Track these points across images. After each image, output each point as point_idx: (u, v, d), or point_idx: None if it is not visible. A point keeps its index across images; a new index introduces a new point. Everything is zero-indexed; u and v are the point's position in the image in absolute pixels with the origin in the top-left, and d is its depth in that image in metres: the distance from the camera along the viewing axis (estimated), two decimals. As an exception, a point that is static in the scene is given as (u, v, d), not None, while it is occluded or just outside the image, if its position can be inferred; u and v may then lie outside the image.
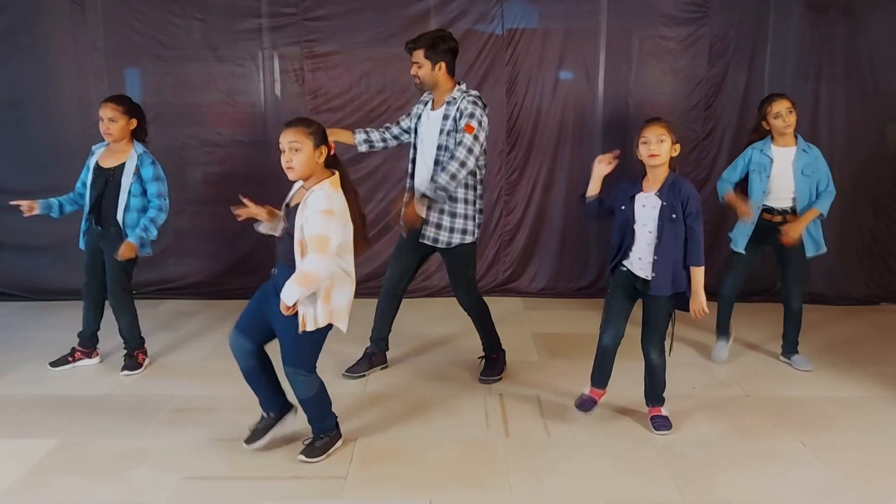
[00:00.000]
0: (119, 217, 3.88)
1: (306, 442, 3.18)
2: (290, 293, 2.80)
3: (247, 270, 5.45)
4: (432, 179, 3.61)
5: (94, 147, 4.04)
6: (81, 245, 4.04)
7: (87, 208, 3.95)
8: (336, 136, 3.74)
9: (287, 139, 2.84)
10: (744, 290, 4.29)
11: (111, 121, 3.82)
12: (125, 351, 4.12)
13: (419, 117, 3.83)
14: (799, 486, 2.92)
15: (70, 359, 4.13)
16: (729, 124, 5.18)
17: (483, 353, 4.00)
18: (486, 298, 4.01)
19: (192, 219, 5.43)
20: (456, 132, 3.60)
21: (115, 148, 3.93)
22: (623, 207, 3.25)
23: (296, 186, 3.04)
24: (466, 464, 3.08)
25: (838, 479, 2.96)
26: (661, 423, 3.36)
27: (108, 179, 3.90)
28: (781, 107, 3.87)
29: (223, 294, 5.39)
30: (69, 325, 4.31)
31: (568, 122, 5.27)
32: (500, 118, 5.20)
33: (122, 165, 3.89)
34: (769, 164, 3.92)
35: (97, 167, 3.93)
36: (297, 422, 3.24)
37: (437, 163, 3.65)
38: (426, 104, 3.82)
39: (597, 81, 5.24)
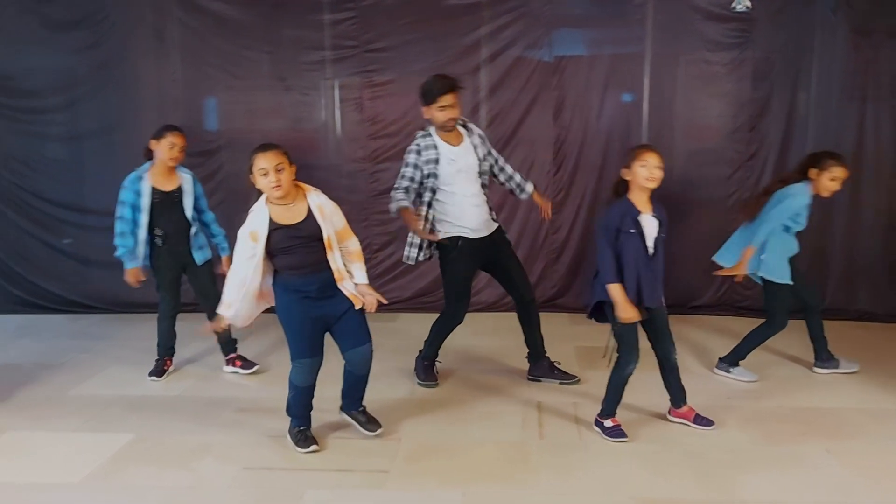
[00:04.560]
0: (191, 234, 4.20)
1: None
2: (364, 273, 3.36)
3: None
4: (522, 181, 4.16)
5: (132, 176, 4.09)
6: (144, 264, 4.17)
7: (144, 231, 4.08)
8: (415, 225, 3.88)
9: (272, 162, 3.06)
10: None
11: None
12: (232, 356, 4.44)
13: (436, 161, 3.84)
14: (819, 488, 3.00)
15: (164, 368, 4.42)
16: (773, 145, 5.24)
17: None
18: (513, 314, 4.23)
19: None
20: (489, 154, 4.02)
21: (162, 171, 4.10)
22: (633, 231, 3.26)
23: (263, 210, 3.16)
24: (500, 462, 3.27)
25: (859, 484, 3.03)
26: (707, 421, 3.52)
27: (173, 202, 4.13)
28: (843, 175, 3.89)
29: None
30: (145, 335, 4.66)
31: (613, 144, 5.41)
32: (547, 140, 5.42)
33: (180, 188, 4.15)
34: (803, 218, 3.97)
35: (157, 191, 4.09)
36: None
37: (483, 186, 3.97)
38: (434, 146, 3.84)
39: (642, 105, 5.38)
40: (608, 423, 3.49)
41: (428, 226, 3.91)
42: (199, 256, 4.27)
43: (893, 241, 5.11)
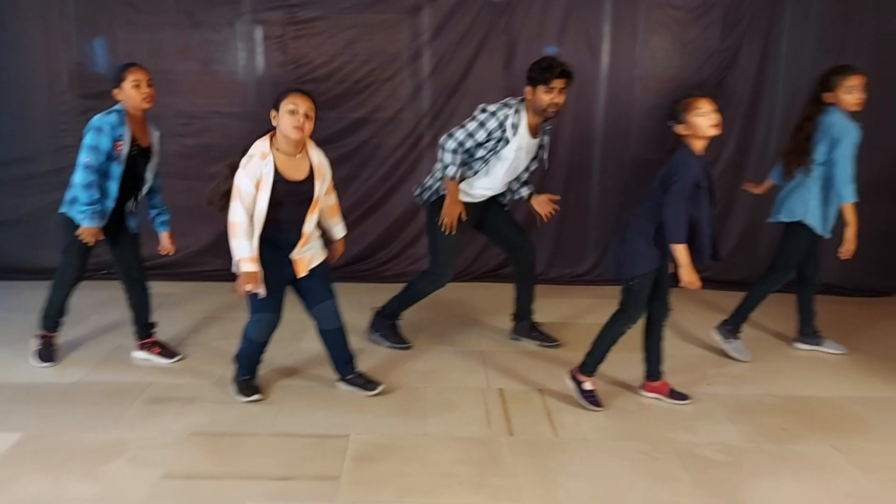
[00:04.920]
0: (138, 199, 3.63)
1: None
2: (342, 226, 3.49)
3: (225, 251, 5.13)
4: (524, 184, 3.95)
5: (114, 119, 3.40)
6: (91, 223, 3.42)
7: (117, 185, 3.46)
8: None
9: (305, 105, 3.03)
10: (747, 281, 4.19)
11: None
12: (148, 340, 3.85)
13: (507, 141, 3.62)
14: (836, 496, 2.69)
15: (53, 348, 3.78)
16: (741, 101, 4.92)
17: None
18: (476, 284, 4.06)
19: (166, 195, 5.09)
20: (540, 160, 3.87)
21: (137, 121, 3.49)
22: (706, 185, 3.07)
23: (269, 158, 3.05)
24: (468, 465, 2.85)
25: (879, 489, 2.74)
26: (682, 396, 3.40)
27: (145, 158, 3.54)
28: (858, 81, 3.60)
29: (199, 276, 5.09)
30: (31, 307, 3.97)
31: (569, 98, 4.91)
32: (496, 91, 4.83)
33: (151, 145, 3.58)
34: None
35: (137, 145, 3.48)
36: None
37: (517, 179, 3.88)
38: (515, 127, 3.61)
39: (600, 54, 4.96)
40: (587, 384, 3.32)
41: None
42: (133, 223, 3.67)
43: (864, 211, 4.82)
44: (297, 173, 3.11)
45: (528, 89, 3.59)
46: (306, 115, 3.02)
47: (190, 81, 4.99)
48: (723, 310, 4.24)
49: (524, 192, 3.92)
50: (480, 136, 3.59)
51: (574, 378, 3.35)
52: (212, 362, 3.76)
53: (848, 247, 3.69)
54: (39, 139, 4.97)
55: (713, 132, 3.03)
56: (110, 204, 3.48)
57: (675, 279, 3.11)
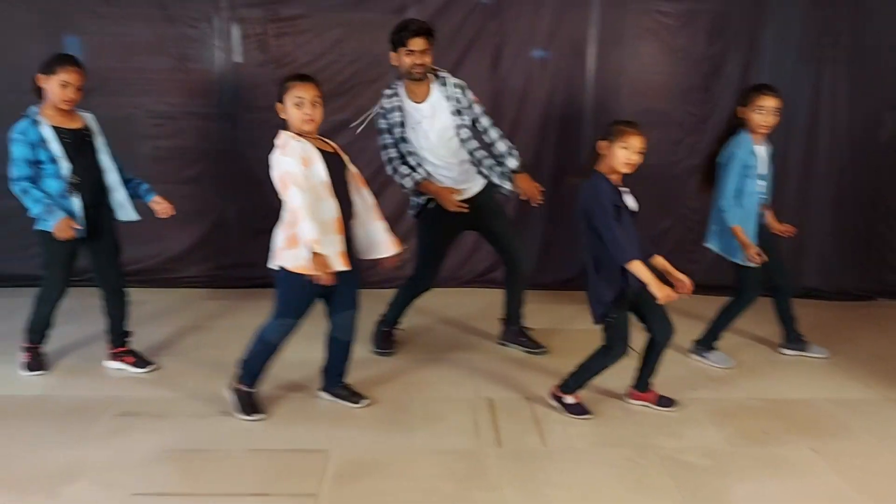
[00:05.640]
0: (112, 183, 3.44)
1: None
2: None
3: (201, 258, 4.99)
4: (506, 153, 3.68)
5: (22, 124, 3.28)
6: (51, 220, 3.26)
7: (61, 183, 3.30)
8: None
9: (311, 94, 2.96)
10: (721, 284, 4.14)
11: (314, 105, 2.99)
12: (121, 349, 3.69)
13: (402, 124, 3.61)
14: (815, 498, 2.71)
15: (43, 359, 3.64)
16: (726, 109, 4.83)
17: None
18: (463, 290, 3.97)
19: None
20: (468, 108, 3.66)
21: (57, 110, 3.32)
22: (623, 207, 3.04)
23: (296, 139, 2.95)
24: (453, 479, 2.75)
25: (855, 491, 2.75)
26: (668, 401, 3.37)
27: (84, 142, 3.35)
28: (771, 102, 3.56)
29: (173, 282, 4.93)
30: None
31: (556, 101, 4.92)
32: (482, 94, 4.76)
33: (87, 126, 3.40)
34: (756, 163, 3.63)
35: (62, 130, 3.30)
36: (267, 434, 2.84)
37: (463, 141, 3.65)
38: (399, 109, 3.61)
39: (586, 58, 4.89)
40: (570, 399, 3.27)
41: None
42: (124, 214, 3.50)
43: (843, 215, 4.91)
44: (326, 147, 3.06)
45: (392, 55, 3.58)
46: (313, 104, 2.96)
47: (163, 80, 4.82)
48: (707, 317, 4.18)
49: (512, 163, 3.70)
50: (388, 138, 3.63)
51: (555, 397, 3.30)
52: (184, 374, 3.62)
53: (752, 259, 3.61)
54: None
55: (624, 169, 3.00)
56: (73, 203, 3.32)
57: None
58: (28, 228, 4.79)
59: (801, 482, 2.80)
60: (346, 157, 3.13)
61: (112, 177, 3.45)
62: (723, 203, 3.60)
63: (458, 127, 3.62)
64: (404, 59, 3.51)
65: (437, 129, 3.61)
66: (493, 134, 3.69)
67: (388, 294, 3.98)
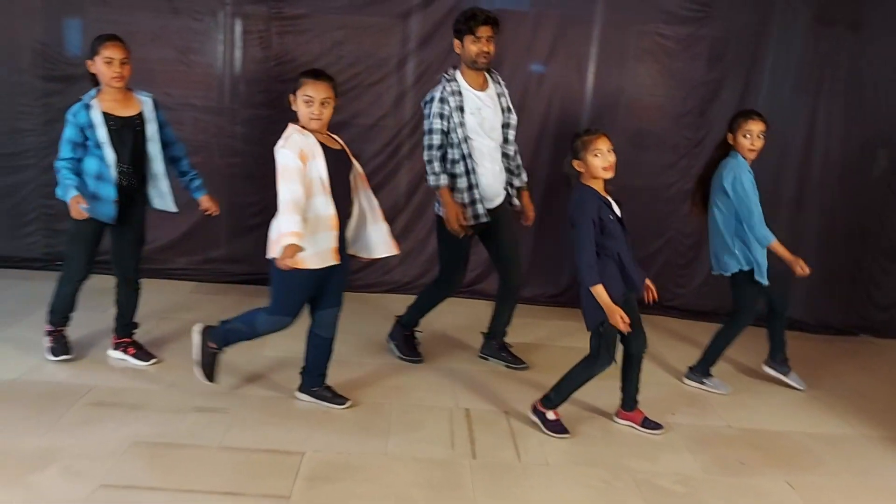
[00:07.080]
0: (156, 172, 3.44)
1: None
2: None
3: (188, 249, 4.96)
4: (520, 167, 3.79)
5: (76, 106, 3.28)
6: (105, 216, 3.33)
7: (114, 170, 3.31)
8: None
9: (321, 94, 2.96)
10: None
11: (323, 105, 3.00)
12: (125, 340, 3.67)
13: (461, 109, 3.54)
14: None
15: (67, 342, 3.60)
16: (721, 134, 4.83)
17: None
18: (450, 300, 3.93)
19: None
20: (509, 111, 3.70)
21: (113, 95, 3.32)
22: (612, 217, 3.04)
23: (301, 132, 2.98)
24: (427, 488, 2.73)
25: None
26: (654, 424, 3.35)
27: (134, 130, 3.35)
28: (756, 127, 3.59)
29: (160, 273, 4.87)
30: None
31: (552, 117, 4.92)
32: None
33: (140, 114, 3.38)
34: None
35: (112, 117, 3.30)
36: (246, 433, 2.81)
37: (506, 142, 3.71)
38: (457, 93, 3.54)
39: (587, 76, 4.90)
40: (550, 415, 3.25)
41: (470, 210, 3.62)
42: (161, 203, 3.51)
43: (831, 249, 4.90)
44: (333, 144, 3.09)
45: (456, 43, 3.58)
46: (322, 104, 2.96)
47: (164, 70, 4.80)
48: (693, 341, 4.18)
49: (523, 179, 3.83)
50: (439, 125, 3.54)
51: (536, 411, 3.28)
52: (164, 367, 3.59)
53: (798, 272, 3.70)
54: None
55: (605, 175, 3.01)
56: (108, 188, 3.31)
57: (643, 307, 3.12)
58: (18, 208, 4.79)
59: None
60: (352, 156, 3.14)
61: (157, 166, 3.45)
62: (753, 223, 3.57)
63: (505, 126, 3.68)
64: (470, 47, 3.51)
65: (492, 119, 3.62)
66: (515, 146, 3.75)
67: (374, 298, 3.95)
